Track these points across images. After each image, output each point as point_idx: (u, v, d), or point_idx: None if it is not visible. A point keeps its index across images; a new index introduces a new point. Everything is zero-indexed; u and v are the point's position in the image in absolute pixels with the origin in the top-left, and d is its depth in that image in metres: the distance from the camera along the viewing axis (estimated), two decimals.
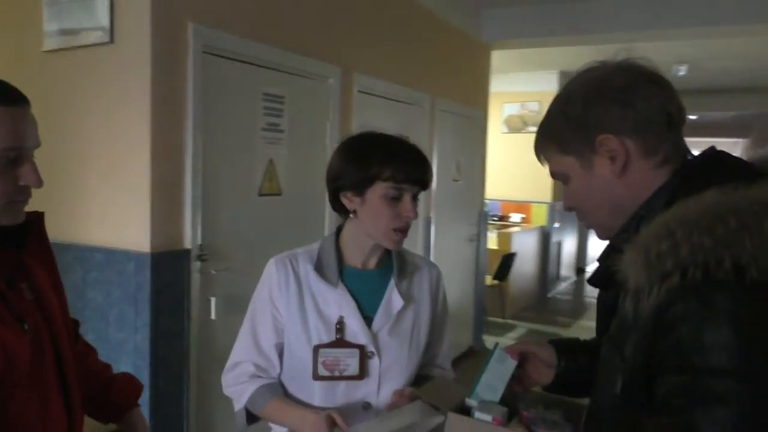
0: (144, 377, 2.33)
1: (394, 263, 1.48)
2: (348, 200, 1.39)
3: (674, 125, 0.93)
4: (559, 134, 0.98)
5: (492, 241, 6.67)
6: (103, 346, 2.44)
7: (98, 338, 2.43)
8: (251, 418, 1.49)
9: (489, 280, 6.08)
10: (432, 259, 4.65)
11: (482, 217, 5.61)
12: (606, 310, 1.02)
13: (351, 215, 1.42)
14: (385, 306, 1.44)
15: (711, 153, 0.93)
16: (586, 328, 6.65)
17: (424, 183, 1.38)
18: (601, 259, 0.99)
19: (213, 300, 2.60)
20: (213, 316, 2.60)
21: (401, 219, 1.36)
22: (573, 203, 1.02)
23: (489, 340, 5.91)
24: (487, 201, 6.01)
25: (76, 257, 2.48)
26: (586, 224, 1.03)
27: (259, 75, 2.84)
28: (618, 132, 0.92)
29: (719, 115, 8.27)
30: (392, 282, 1.46)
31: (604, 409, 0.94)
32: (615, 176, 0.93)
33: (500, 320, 6.59)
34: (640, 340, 0.82)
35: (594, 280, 1.00)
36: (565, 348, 1.23)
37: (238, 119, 2.75)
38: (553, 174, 1.03)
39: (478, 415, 1.10)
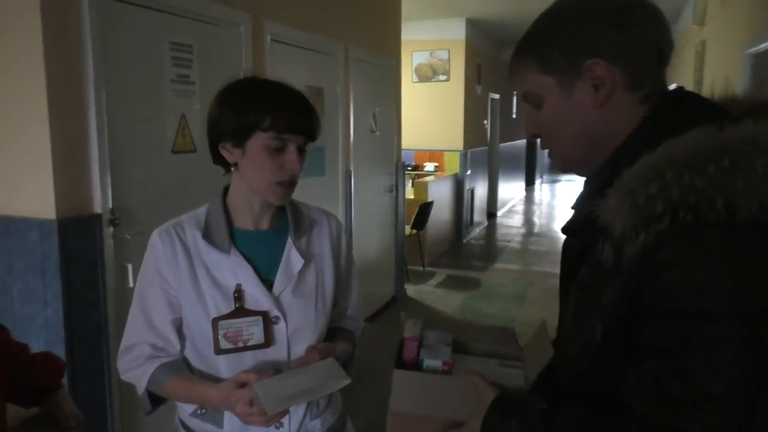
0: (60, 353, 2.15)
1: (289, 220, 1.39)
2: (228, 152, 1.28)
3: (663, 62, 0.88)
4: (543, 51, 0.90)
5: (409, 191, 6.71)
6: (8, 324, 2.23)
7: (1, 315, 2.22)
8: (156, 401, 1.38)
9: (408, 229, 6.13)
10: (353, 211, 4.62)
11: (399, 167, 5.60)
12: (572, 257, 0.96)
13: (233, 169, 1.31)
14: (285, 266, 1.34)
15: (681, 93, 0.89)
16: (500, 270, 6.90)
17: (310, 133, 1.28)
18: (576, 206, 0.93)
19: (129, 267, 2.43)
20: (130, 284, 2.43)
21: (285, 172, 1.27)
22: (540, 129, 0.94)
23: (411, 289, 6.01)
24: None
25: None
26: (549, 154, 0.96)
27: (165, 22, 2.62)
28: (608, 58, 0.85)
29: None
30: (289, 240, 1.37)
31: (577, 358, 0.90)
32: (595, 106, 0.87)
33: (420, 269, 6.70)
34: (623, 286, 0.78)
35: (569, 228, 0.94)
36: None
37: (144, 71, 2.53)
38: (525, 95, 0.94)
39: (427, 362, 1.09)
